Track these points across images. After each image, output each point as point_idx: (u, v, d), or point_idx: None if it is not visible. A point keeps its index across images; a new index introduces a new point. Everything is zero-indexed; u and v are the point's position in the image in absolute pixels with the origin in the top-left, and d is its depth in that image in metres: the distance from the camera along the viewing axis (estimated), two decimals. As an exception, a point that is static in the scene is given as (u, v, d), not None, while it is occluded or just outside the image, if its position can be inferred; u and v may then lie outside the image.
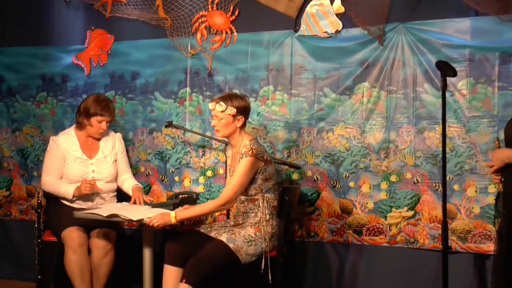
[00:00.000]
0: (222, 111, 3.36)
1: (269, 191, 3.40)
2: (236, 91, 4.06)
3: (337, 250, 3.92)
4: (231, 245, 3.25)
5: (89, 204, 3.89)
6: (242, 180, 3.32)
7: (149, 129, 4.34)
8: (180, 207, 3.56)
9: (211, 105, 3.42)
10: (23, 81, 4.66)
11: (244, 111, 3.42)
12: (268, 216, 3.36)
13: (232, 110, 3.36)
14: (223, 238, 3.28)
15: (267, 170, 3.38)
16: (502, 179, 3.03)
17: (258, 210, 3.37)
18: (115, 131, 4.19)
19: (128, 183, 4.02)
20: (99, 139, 4.03)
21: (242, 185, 3.33)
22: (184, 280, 3.15)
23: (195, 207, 3.52)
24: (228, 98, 3.41)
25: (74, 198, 3.84)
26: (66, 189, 3.85)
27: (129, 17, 4.32)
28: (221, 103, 3.36)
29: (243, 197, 3.41)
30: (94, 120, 3.92)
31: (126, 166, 4.12)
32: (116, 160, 4.04)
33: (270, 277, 3.28)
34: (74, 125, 4.07)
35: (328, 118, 3.90)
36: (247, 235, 3.30)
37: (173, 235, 3.52)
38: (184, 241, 3.39)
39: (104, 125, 3.94)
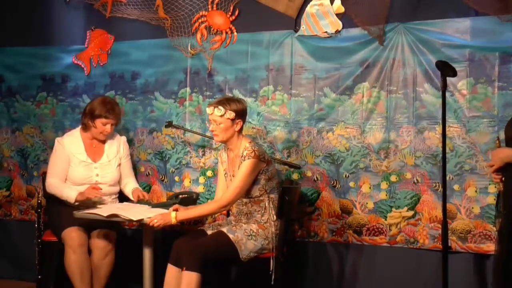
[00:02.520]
0: (221, 115, 3.36)
1: (273, 191, 3.41)
2: (236, 91, 4.07)
3: (337, 250, 3.92)
4: (230, 236, 3.26)
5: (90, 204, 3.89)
6: (244, 182, 3.32)
7: (149, 129, 4.34)
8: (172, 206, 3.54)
9: (209, 110, 3.41)
10: (23, 81, 4.66)
11: (242, 114, 3.42)
12: (274, 216, 3.36)
13: (231, 114, 3.36)
14: (224, 229, 3.30)
15: (269, 170, 3.39)
16: (503, 179, 3.02)
17: (264, 211, 3.39)
18: (120, 134, 4.17)
19: (130, 187, 4.01)
20: (104, 142, 4.02)
21: (244, 187, 3.33)
22: (184, 268, 3.15)
23: (196, 207, 3.52)
24: (226, 102, 3.40)
25: (76, 203, 3.83)
26: (68, 194, 3.81)
27: (129, 17, 4.32)
28: (220, 107, 3.36)
29: (245, 199, 3.41)
30: (98, 122, 3.91)
31: (130, 170, 4.11)
32: (120, 164, 4.03)
33: (273, 277, 3.28)
34: (80, 127, 4.06)
35: (328, 118, 3.90)
36: (249, 230, 3.32)
37: (181, 235, 3.51)
38: (191, 242, 3.33)
39: (108, 127, 3.93)
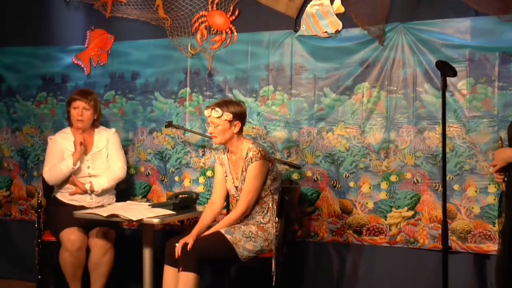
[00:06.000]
0: (218, 117, 3.36)
1: (276, 192, 3.39)
2: (236, 91, 4.08)
3: (337, 250, 3.91)
4: (228, 237, 3.25)
5: (88, 201, 3.90)
6: (256, 184, 3.33)
7: (149, 129, 4.34)
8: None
9: (207, 112, 3.42)
10: (23, 81, 4.66)
11: (240, 116, 3.41)
12: (276, 218, 3.36)
13: (229, 116, 3.36)
14: (222, 230, 3.29)
15: (274, 170, 3.41)
16: (505, 179, 3.01)
17: (266, 212, 3.39)
18: (118, 133, 4.18)
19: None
20: (92, 134, 4.03)
21: (257, 189, 3.34)
22: (180, 269, 3.15)
23: (220, 224, 3.39)
24: (224, 104, 3.41)
25: (76, 166, 3.87)
26: (65, 163, 3.88)
27: (129, 17, 4.32)
28: (217, 109, 3.36)
29: None
30: (71, 108, 3.98)
31: (117, 156, 4.06)
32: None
33: (274, 278, 3.27)
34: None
35: (328, 118, 3.90)
36: (248, 231, 3.31)
37: (174, 235, 3.50)
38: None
39: (80, 112, 3.95)
